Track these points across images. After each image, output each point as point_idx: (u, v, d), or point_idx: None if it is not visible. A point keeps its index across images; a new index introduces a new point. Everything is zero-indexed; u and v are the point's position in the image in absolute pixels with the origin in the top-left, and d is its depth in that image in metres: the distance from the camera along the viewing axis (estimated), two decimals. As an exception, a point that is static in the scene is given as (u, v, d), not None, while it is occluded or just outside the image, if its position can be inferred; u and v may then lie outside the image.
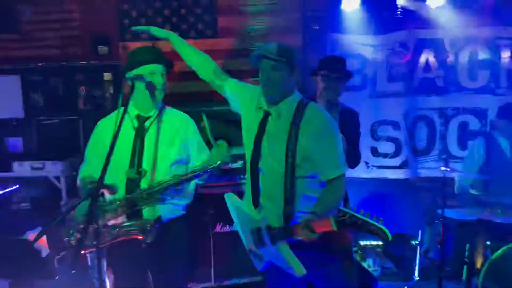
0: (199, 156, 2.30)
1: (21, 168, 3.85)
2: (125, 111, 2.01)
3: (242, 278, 3.45)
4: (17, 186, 3.40)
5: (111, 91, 4.22)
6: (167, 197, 2.15)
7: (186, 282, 2.59)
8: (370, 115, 3.77)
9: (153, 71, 2.17)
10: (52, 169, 3.83)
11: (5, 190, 3.24)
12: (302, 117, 1.97)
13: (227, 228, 3.46)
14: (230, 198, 2.30)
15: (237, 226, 2.33)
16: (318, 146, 1.95)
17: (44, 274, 1.54)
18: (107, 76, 4.22)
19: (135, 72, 2.17)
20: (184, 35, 3.98)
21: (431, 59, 3.75)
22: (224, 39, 4.03)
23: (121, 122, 1.90)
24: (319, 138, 1.96)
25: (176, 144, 2.25)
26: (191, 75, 3.83)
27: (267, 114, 2.03)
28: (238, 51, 4.01)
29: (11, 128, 4.24)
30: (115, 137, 1.81)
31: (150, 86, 2.11)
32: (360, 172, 3.68)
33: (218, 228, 3.45)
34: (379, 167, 3.79)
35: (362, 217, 1.66)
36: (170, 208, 2.22)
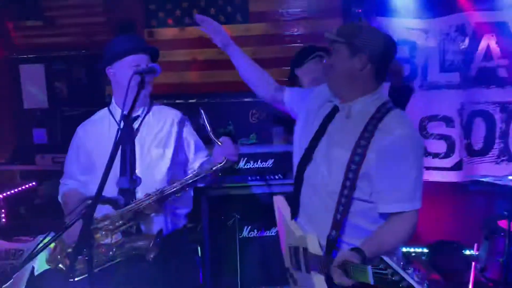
0: (197, 156, 2.07)
1: (43, 162, 3.75)
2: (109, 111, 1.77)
3: (271, 287, 3.17)
4: (34, 183, 3.23)
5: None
6: (166, 206, 1.89)
7: None
8: (419, 109, 3.33)
9: (137, 63, 1.88)
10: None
11: (21, 188, 3.07)
12: (379, 123, 1.52)
13: (255, 233, 3.18)
14: (278, 201, 2.01)
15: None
16: (385, 165, 1.49)
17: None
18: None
19: (116, 65, 1.90)
20: (214, 20, 3.72)
21: (493, 45, 3.24)
22: (255, 25, 3.70)
23: (121, 121, 1.63)
24: (391, 156, 1.49)
25: (171, 145, 1.98)
26: (216, 63, 3.73)
27: (334, 110, 1.66)
28: (271, 37, 3.67)
29: (36, 119, 4.13)
30: (118, 142, 1.53)
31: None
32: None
33: (245, 233, 3.17)
34: (428, 168, 3.35)
35: (408, 279, 1.15)
36: (171, 219, 1.96)
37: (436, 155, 3.39)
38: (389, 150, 1.48)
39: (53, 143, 4.07)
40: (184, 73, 3.69)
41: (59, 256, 1.76)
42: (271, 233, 3.19)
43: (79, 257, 1.33)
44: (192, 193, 2.12)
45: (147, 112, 2.00)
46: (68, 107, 4.07)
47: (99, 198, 1.37)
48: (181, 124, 2.05)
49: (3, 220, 2.99)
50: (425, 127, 3.38)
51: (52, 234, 2.47)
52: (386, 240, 1.50)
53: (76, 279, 1.48)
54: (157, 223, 1.88)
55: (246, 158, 3.15)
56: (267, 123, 3.58)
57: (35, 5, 3.95)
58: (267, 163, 3.16)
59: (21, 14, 3.95)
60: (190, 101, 3.75)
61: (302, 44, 3.60)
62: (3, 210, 2.99)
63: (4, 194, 2.94)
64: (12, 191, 3.02)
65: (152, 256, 1.71)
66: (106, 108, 1.98)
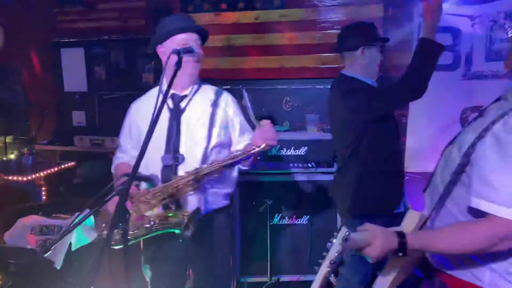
0: (241, 139, 2.05)
1: (82, 143, 3.85)
2: (160, 90, 1.77)
3: (300, 275, 3.16)
4: (73, 163, 3.33)
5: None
6: (208, 185, 1.90)
7: (230, 278, 2.37)
8: (461, 99, 3.18)
9: (186, 42, 1.88)
10: (112, 145, 3.77)
11: (61, 167, 3.16)
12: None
13: (286, 221, 3.16)
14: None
15: None
16: (486, 152, 1.25)
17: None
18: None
19: (166, 44, 1.92)
20: (249, 6, 3.69)
21: (545, 33, 3.05)
22: (292, 10, 3.64)
23: (163, 102, 1.63)
24: (496, 144, 1.24)
25: (216, 126, 1.99)
26: (248, 49, 3.70)
27: None
28: (308, 23, 3.60)
29: (75, 102, 4.24)
30: (154, 120, 1.54)
31: (183, 60, 1.77)
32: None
33: (276, 220, 3.16)
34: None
35: None
36: (211, 198, 1.98)
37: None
38: (497, 138, 1.26)
39: (91, 125, 4.18)
40: (218, 59, 3.68)
41: (103, 225, 1.81)
42: (302, 221, 3.16)
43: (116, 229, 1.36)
44: (236, 175, 2.12)
45: (195, 92, 2.02)
46: (106, 90, 4.16)
47: (135, 174, 1.38)
48: (228, 106, 2.05)
49: (44, 197, 3.10)
50: (466, 118, 3.24)
51: (87, 211, 2.57)
52: (443, 237, 1.29)
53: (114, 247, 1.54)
54: (196, 201, 1.90)
55: (279, 146, 3.12)
56: (300, 110, 3.53)
57: (76, -9, 4.04)
58: (300, 151, 3.12)
59: (63, -1, 4.06)
60: (224, 87, 3.73)
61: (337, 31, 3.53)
62: (43, 188, 3.09)
63: (45, 173, 3.03)
64: (52, 170, 3.11)
65: (188, 233, 1.72)
66: (157, 87, 1.99)
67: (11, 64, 4.16)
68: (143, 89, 3.86)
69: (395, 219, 2.24)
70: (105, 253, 1.19)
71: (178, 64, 1.68)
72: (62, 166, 3.21)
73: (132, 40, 4.04)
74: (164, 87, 1.96)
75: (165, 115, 1.95)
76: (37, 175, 2.97)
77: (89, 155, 3.88)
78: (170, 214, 1.79)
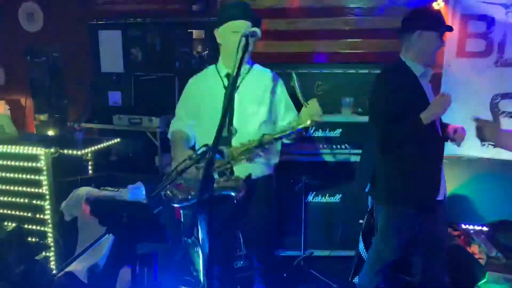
0: (286, 116, 2.26)
1: (121, 122, 4.01)
2: (216, 69, 1.97)
3: (332, 251, 3.33)
4: (118, 139, 3.50)
5: (200, 49, 4.16)
6: (256, 155, 2.09)
7: (274, 241, 2.57)
8: (492, 85, 3.30)
9: (240, 28, 2.04)
10: (149, 124, 3.93)
11: (109, 142, 3.34)
12: None
13: (319, 199, 3.33)
14: None
15: None
16: None
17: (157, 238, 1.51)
18: (197, 34, 4.14)
19: (223, 28, 2.12)
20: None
21: None
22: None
23: (236, 78, 1.80)
24: None
25: (265, 103, 2.20)
26: (282, 34, 3.80)
27: None
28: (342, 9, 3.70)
29: (112, 82, 4.40)
30: (229, 97, 1.73)
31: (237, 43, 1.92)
32: (472, 150, 3.29)
33: (310, 198, 3.33)
34: (496, 146, 3.33)
35: None
36: (259, 167, 2.20)
37: (506, 133, 3.35)
38: None
39: (126, 105, 4.34)
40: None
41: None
42: (335, 199, 3.32)
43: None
44: (280, 147, 2.34)
45: (247, 72, 2.21)
46: (141, 71, 4.30)
47: (217, 146, 1.55)
48: (276, 85, 2.25)
49: (90, 171, 3.28)
50: (496, 105, 3.35)
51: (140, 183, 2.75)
52: None
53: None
54: (248, 168, 2.08)
55: (314, 127, 3.26)
56: (333, 94, 3.64)
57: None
58: (335, 132, 3.26)
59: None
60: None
61: (372, 17, 3.62)
62: (90, 163, 3.27)
63: (93, 148, 3.21)
64: (99, 146, 3.28)
65: (240, 196, 1.89)
66: (213, 65, 2.25)
67: (50, 45, 4.32)
68: (177, 72, 4.09)
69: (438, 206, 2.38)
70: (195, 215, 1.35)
71: (246, 47, 1.83)
72: (109, 143, 3.37)
73: (168, 23, 4.16)
74: (221, 66, 2.20)
75: (221, 93, 2.16)
76: (86, 150, 3.14)
77: (126, 133, 4.04)
78: (227, 179, 1.97)
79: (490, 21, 3.26)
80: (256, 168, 2.17)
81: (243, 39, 1.82)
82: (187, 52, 4.21)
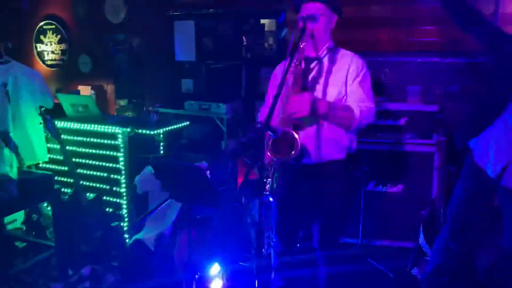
0: (357, 101, 2.18)
1: (191, 107, 4.25)
2: (294, 53, 1.97)
3: (390, 241, 3.29)
4: (187, 122, 3.74)
5: (271, 40, 4.25)
6: (324, 136, 2.15)
7: (341, 228, 2.57)
8: None
9: (312, 12, 2.09)
10: (217, 110, 4.13)
11: (178, 125, 3.58)
12: None
13: (380, 188, 3.29)
14: None
15: None
16: None
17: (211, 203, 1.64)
18: (268, 25, 4.23)
19: (299, 12, 2.15)
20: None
21: None
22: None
23: (289, 65, 1.86)
24: None
25: (336, 84, 2.19)
26: (353, 22, 3.77)
27: None
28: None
29: (185, 70, 4.66)
30: (282, 79, 1.78)
31: (308, 28, 1.99)
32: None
33: (370, 187, 3.31)
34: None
35: None
36: (327, 149, 2.23)
37: None
38: None
39: (198, 92, 4.58)
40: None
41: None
42: (397, 190, 3.27)
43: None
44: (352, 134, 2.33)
45: (325, 55, 2.23)
46: (212, 60, 4.50)
47: (267, 124, 1.64)
48: (354, 71, 2.20)
49: (161, 151, 3.55)
50: None
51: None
52: None
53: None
54: (314, 149, 2.20)
55: (378, 115, 3.24)
56: (400, 82, 3.57)
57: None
58: (399, 121, 3.21)
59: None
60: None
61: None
62: (162, 143, 3.54)
63: (165, 129, 3.46)
64: (170, 128, 3.53)
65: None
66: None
67: (131, 35, 4.68)
68: (245, 60, 4.23)
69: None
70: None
71: (302, 31, 1.90)
72: (178, 125, 3.62)
73: (237, 13, 4.31)
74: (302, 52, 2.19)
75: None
76: (158, 131, 3.39)
77: (196, 118, 4.28)
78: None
79: None
80: (327, 150, 2.23)
81: (300, 22, 1.88)
82: (256, 41, 4.33)
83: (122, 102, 4.90)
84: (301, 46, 2.05)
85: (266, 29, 4.26)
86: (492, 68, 2.34)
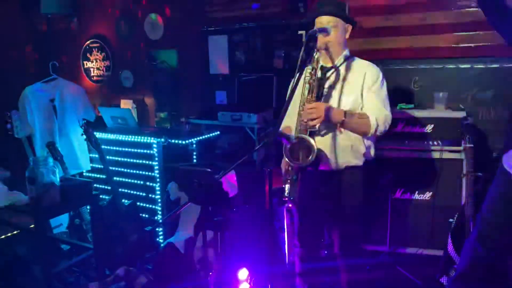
0: (369, 110, 2.26)
1: (224, 118, 4.41)
2: (304, 64, 2.06)
3: (418, 249, 3.26)
4: (218, 132, 3.89)
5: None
6: (341, 142, 2.22)
7: (359, 234, 2.61)
8: None
9: (323, 24, 2.20)
10: (248, 120, 4.26)
11: (209, 135, 3.75)
12: None
13: (407, 195, 3.28)
14: None
15: None
16: None
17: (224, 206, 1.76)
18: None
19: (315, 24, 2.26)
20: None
21: None
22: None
23: (299, 77, 1.96)
24: None
25: (352, 95, 2.26)
26: (382, 31, 3.80)
27: None
28: (444, 2, 3.58)
29: (218, 83, 4.85)
30: (292, 89, 1.89)
31: (321, 41, 2.11)
32: None
33: (398, 194, 3.30)
34: None
35: None
36: (346, 155, 2.30)
37: None
38: None
39: (231, 103, 4.75)
40: (349, 40, 3.86)
41: None
42: (425, 197, 3.25)
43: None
44: (372, 141, 2.40)
45: (341, 64, 2.32)
46: (244, 72, 4.66)
47: (277, 130, 1.74)
48: (370, 79, 2.28)
49: (194, 160, 3.73)
50: None
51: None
52: None
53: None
54: (331, 155, 2.27)
55: (404, 122, 3.24)
56: (429, 89, 3.55)
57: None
58: (426, 128, 3.19)
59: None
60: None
61: (475, 9, 3.44)
62: (194, 152, 3.72)
63: (196, 139, 3.63)
64: (201, 137, 3.71)
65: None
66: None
67: (170, 50, 4.94)
68: (275, 72, 4.35)
69: None
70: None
71: (313, 42, 2.00)
72: (209, 135, 3.79)
73: (268, 26, 4.45)
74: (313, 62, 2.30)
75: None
76: (190, 140, 3.57)
77: (229, 129, 4.43)
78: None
79: None
80: (344, 156, 2.30)
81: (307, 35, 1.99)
82: (286, 52, 4.44)
83: (162, 115, 5.16)
84: (316, 57, 2.15)
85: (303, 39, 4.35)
86: None
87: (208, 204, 1.81)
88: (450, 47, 3.59)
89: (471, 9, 3.47)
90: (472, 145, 2.88)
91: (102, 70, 5.55)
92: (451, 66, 3.50)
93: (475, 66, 3.38)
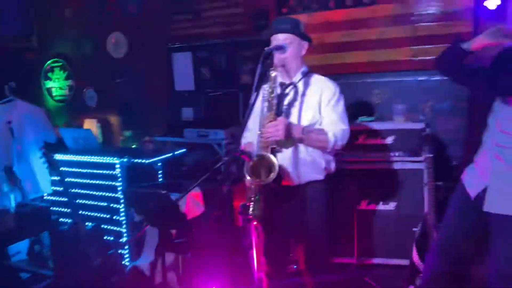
0: (324, 120, 2.29)
1: (190, 135, 4.37)
2: (261, 81, 2.08)
3: (386, 259, 3.30)
4: (184, 150, 3.85)
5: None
6: (302, 158, 2.22)
7: (327, 248, 2.62)
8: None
9: (279, 41, 2.23)
10: (215, 136, 4.24)
11: (175, 153, 3.70)
12: None
13: (372, 206, 3.32)
14: None
15: None
16: None
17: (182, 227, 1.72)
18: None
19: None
20: (339, 4, 3.89)
21: None
22: (383, 6, 3.75)
23: (257, 95, 1.97)
24: None
25: (310, 108, 2.28)
26: (342, 46, 3.88)
27: None
28: (398, 17, 3.70)
29: (185, 99, 4.82)
30: (251, 107, 1.89)
31: (278, 58, 2.14)
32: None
33: (363, 206, 3.34)
34: None
35: None
36: (308, 171, 2.31)
37: None
38: None
39: (198, 119, 4.72)
40: (311, 56, 3.93)
41: None
42: (389, 207, 3.30)
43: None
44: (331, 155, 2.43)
45: (299, 80, 2.35)
46: (210, 89, 4.66)
47: (237, 149, 1.73)
48: (327, 95, 2.31)
49: (160, 179, 3.66)
50: None
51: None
52: None
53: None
54: (293, 172, 2.28)
55: (366, 134, 3.30)
56: (389, 102, 3.64)
57: (187, 1, 4.61)
58: (386, 140, 3.26)
59: (176, 9, 4.66)
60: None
61: (430, 24, 3.56)
62: (159, 171, 3.66)
63: (161, 158, 3.58)
64: (167, 156, 3.65)
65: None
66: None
67: (133, 67, 4.89)
68: (242, 87, 4.37)
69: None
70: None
71: (269, 60, 2.02)
72: (175, 153, 3.74)
73: (232, 43, 4.48)
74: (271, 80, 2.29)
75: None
76: (154, 159, 3.52)
77: (196, 145, 4.39)
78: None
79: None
80: (305, 171, 2.31)
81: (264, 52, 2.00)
82: (251, 69, 4.47)
83: (127, 133, 5.07)
84: (272, 75, 2.17)
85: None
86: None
87: (165, 227, 1.77)
88: (408, 60, 3.69)
89: (425, 23, 3.60)
90: (431, 155, 2.96)
91: (65, 89, 5.43)
92: (409, 79, 3.61)
93: (432, 78, 3.49)
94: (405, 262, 3.04)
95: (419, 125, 3.17)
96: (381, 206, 3.31)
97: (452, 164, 3.33)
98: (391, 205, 3.29)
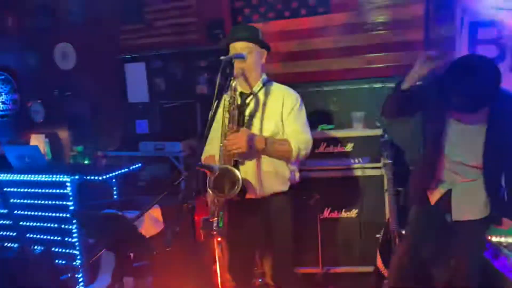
0: (287, 129, 2.27)
1: (146, 148, 4.21)
2: (221, 91, 2.01)
3: (351, 267, 3.29)
4: (140, 164, 3.69)
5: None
6: (265, 170, 2.18)
7: (293, 260, 2.57)
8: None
9: (238, 50, 2.17)
10: (172, 149, 4.10)
11: (130, 168, 3.54)
12: None
13: (335, 214, 3.31)
14: None
15: None
16: None
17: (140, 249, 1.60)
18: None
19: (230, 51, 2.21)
20: (294, 13, 3.90)
21: None
22: (337, 15, 3.79)
23: (217, 106, 1.90)
24: None
25: (272, 118, 2.23)
26: (298, 55, 3.89)
27: None
28: (352, 26, 3.75)
29: (139, 112, 4.64)
30: (212, 118, 1.81)
31: (237, 67, 2.08)
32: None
33: (326, 214, 3.32)
34: None
35: None
36: (271, 182, 2.26)
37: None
38: None
39: (153, 132, 4.56)
40: (267, 65, 3.90)
41: None
42: (351, 214, 3.30)
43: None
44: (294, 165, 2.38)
45: (259, 90, 2.28)
46: (165, 100, 4.51)
47: (197, 163, 1.64)
48: (288, 104, 2.26)
49: (115, 196, 3.48)
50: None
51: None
52: None
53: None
54: (256, 184, 2.21)
55: (326, 143, 3.29)
56: (347, 109, 3.66)
57: (137, 11, 4.46)
58: (346, 147, 3.27)
59: (126, 19, 4.49)
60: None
61: (383, 32, 3.64)
62: (114, 188, 3.47)
63: (115, 173, 3.40)
64: (121, 171, 3.48)
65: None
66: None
67: (83, 79, 4.66)
68: (198, 98, 4.26)
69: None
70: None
71: (229, 69, 1.95)
72: (131, 168, 3.57)
73: (187, 53, 4.37)
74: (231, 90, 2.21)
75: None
76: (108, 176, 3.34)
77: (154, 159, 4.23)
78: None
79: (501, 27, 3.19)
80: (269, 183, 2.26)
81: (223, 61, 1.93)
82: (207, 78, 4.38)
83: (78, 149, 4.80)
84: (233, 85, 2.10)
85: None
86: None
87: (122, 250, 1.64)
88: (364, 68, 3.75)
89: (379, 32, 3.67)
90: (390, 161, 2.99)
91: (9, 104, 5.09)
92: (365, 86, 3.66)
93: (387, 85, 3.55)
94: (370, 268, 3.04)
95: (377, 132, 3.21)
96: (344, 213, 3.31)
97: (411, 169, 3.38)
98: (353, 212, 3.30)
